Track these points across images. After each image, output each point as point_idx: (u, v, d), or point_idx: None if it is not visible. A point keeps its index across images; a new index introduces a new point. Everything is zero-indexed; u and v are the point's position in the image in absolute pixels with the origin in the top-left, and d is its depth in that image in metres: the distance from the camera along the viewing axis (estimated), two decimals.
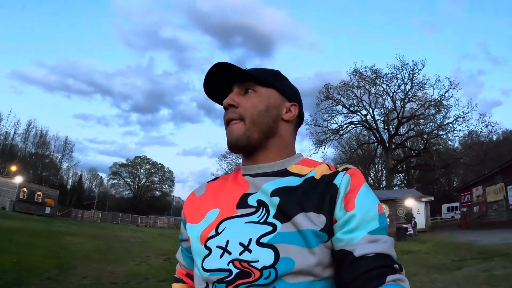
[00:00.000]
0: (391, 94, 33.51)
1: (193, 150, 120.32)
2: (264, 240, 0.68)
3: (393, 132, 34.54)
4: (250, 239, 0.69)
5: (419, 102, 32.57)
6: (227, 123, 0.80)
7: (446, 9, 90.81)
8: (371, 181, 44.76)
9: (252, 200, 0.75)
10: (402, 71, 32.19)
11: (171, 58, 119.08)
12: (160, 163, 70.26)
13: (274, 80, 0.84)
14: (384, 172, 41.30)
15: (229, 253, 0.70)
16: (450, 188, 36.71)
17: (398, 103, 33.45)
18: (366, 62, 63.67)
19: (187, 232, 0.82)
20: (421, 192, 28.80)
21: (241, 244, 0.70)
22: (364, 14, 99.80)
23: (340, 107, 35.18)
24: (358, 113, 35.19)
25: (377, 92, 34.05)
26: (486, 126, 30.50)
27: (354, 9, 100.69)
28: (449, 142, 33.35)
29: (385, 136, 35.33)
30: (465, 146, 34.83)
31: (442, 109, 31.37)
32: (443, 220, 33.45)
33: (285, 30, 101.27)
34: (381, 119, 35.15)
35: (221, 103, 0.86)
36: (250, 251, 0.68)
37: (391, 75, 32.92)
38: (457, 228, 23.18)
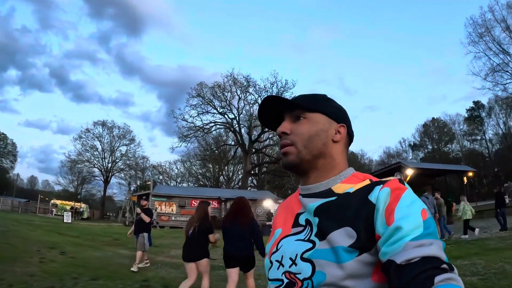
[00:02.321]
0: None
1: (36, 122, 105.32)
2: (305, 255, 0.79)
3: (254, 139, 38.37)
4: (296, 255, 0.81)
5: None
6: (281, 148, 0.91)
7: (315, 35, 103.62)
8: (223, 179, 48.21)
9: (302, 219, 0.87)
10: (273, 86, 36.41)
11: (34, 14, 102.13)
12: (3, 133, 58.07)
13: (321, 105, 0.92)
14: (239, 173, 45.29)
15: (283, 265, 0.84)
16: None
17: None
18: (237, 70, 67.24)
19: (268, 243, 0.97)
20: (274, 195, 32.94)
21: (290, 258, 0.82)
22: (245, 22, 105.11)
23: (209, 106, 37.41)
24: (226, 115, 38.09)
25: (245, 99, 37.52)
26: None
27: (236, 14, 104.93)
28: None
29: (246, 141, 38.94)
30: None
31: None
32: None
33: (161, 15, 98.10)
34: (246, 125, 38.66)
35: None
36: (296, 265, 0.80)
37: (263, 87, 36.85)
38: None
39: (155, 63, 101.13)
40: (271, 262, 0.89)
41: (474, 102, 56.52)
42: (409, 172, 19.95)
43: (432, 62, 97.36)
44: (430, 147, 64.10)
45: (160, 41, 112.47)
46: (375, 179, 0.83)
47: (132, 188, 36.79)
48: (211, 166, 48.63)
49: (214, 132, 40.77)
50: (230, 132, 41.01)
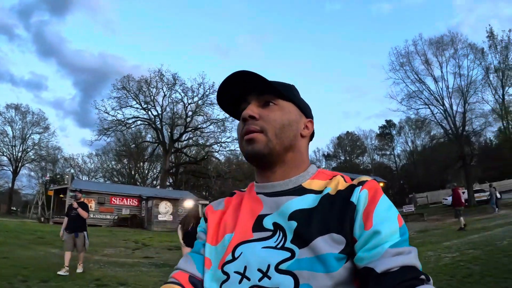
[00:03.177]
0: (185, 104, 37.17)
1: None
2: (283, 266, 0.68)
3: (176, 138, 38.05)
4: (269, 265, 0.69)
5: (205, 118, 37.60)
6: (246, 134, 0.78)
7: (241, 42, 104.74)
8: (138, 177, 46.72)
9: (267, 223, 0.75)
10: (200, 87, 36.53)
11: None
12: None
13: (294, 95, 0.85)
14: (155, 171, 44.45)
15: (248, 279, 0.70)
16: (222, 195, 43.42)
17: (189, 113, 37.46)
18: (164, 67, 65.93)
19: (205, 250, 0.81)
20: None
21: (259, 270, 0.69)
22: (175, 19, 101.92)
23: (133, 101, 36.27)
24: (150, 111, 37.21)
25: (170, 97, 37.10)
26: None
27: (166, 9, 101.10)
28: (220, 157, 39.75)
29: (167, 140, 38.41)
30: (236, 163, 42.07)
31: (223, 128, 37.38)
32: None
33: None
34: (168, 123, 38.11)
35: (230, 113, 0.88)
36: (269, 278, 0.68)
37: (190, 87, 36.81)
38: None
39: (75, 47, 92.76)
40: (225, 273, 0.74)
41: (387, 121, 63.45)
42: None
43: (350, 80, 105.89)
44: (342, 158, 69.79)
45: (84, 24, 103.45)
46: (345, 176, 0.80)
47: (43, 181, 33.71)
48: (126, 162, 46.87)
49: (133, 128, 39.50)
50: (149, 129, 40.20)
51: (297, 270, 0.67)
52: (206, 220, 0.87)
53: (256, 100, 0.82)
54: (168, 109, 37.66)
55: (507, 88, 27.26)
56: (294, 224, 0.72)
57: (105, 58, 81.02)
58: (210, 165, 38.32)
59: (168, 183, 42.60)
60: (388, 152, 63.81)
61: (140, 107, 36.75)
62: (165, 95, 36.84)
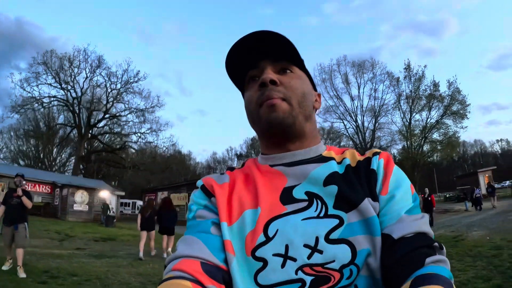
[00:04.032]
0: (108, 89, 35.61)
1: None
2: (334, 235, 0.61)
3: (93, 123, 36.27)
4: (317, 238, 0.61)
5: (126, 106, 36.41)
6: (267, 99, 0.71)
7: (167, 29, 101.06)
8: (47, 161, 43.18)
9: (298, 193, 0.68)
10: (125, 74, 35.33)
11: None
12: None
13: (305, 66, 0.80)
14: (63, 156, 41.69)
15: (293, 259, 0.60)
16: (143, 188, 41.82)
17: (110, 99, 35.92)
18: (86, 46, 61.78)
19: (222, 231, 0.66)
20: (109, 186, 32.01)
21: (306, 245, 0.61)
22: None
23: (53, 79, 33.59)
24: (69, 92, 34.87)
25: (92, 79, 35.18)
26: (170, 142, 38.33)
27: None
28: (132, 149, 38.70)
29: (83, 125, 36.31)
30: (150, 155, 41.22)
31: (142, 119, 36.52)
32: (125, 214, 38.02)
33: None
34: (86, 107, 36.06)
35: (234, 79, 0.80)
36: (321, 252, 0.60)
37: (114, 73, 35.38)
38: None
39: None
40: (259, 259, 0.62)
41: None
42: None
43: None
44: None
45: None
46: (352, 149, 0.79)
47: None
48: (32, 144, 42.98)
49: (49, 107, 36.40)
50: (64, 111, 37.49)
51: (351, 237, 0.61)
52: (211, 194, 0.72)
53: (271, 66, 0.75)
54: (88, 92, 35.66)
55: (414, 114, 31.60)
56: (334, 188, 0.67)
57: (22, 25, 73.90)
58: (126, 156, 37.32)
59: (81, 171, 40.48)
60: None
61: (60, 87, 34.20)
62: (87, 77, 34.82)
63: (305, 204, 0.66)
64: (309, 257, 0.60)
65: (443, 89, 31.53)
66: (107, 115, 36.38)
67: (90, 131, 36.72)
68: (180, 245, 0.66)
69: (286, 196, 0.68)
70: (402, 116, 31.99)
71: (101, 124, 37.74)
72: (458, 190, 28.77)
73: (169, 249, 9.78)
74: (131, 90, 35.62)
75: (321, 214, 0.64)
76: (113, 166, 39.07)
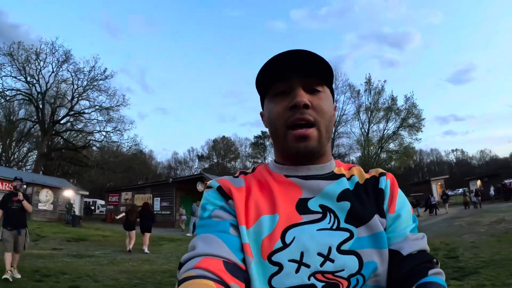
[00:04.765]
0: (74, 85, 35.16)
1: None
2: (345, 247, 0.67)
3: (57, 119, 35.70)
4: (330, 248, 0.66)
5: (91, 103, 36.06)
6: (298, 126, 0.73)
7: (133, 22, 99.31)
8: (3, 158, 41.72)
9: (313, 205, 0.72)
10: (92, 71, 35.04)
11: None
12: None
13: (332, 78, 0.80)
14: (21, 152, 40.53)
15: (307, 266, 0.65)
16: (104, 187, 41.17)
17: (76, 96, 35.46)
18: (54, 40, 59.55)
19: (242, 233, 0.68)
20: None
21: (320, 254, 0.66)
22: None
23: (18, 71, 32.68)
24: (34, 86, 34.09)
25: (57, 74, 34.61)
26: (134, 142, 38.26)
27: None
28: (95, 148, 38.42)
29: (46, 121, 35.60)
30: (113, 155, 40.83)
31: (108, 118, 36.25)
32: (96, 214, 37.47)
33: None
34: (50, 103, 35.44)
35: (260, 90, 0.82)
36: (332, 261, 0.66)
37: (81, 69, 34.86)
38: (104, 221, 27.89)
39: None
40: (275, 263, 0.65)
41: (262, 132, 69.91)
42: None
43: (232, 85, 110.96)
44: (215, 160, 73.40)
45: None
46: (358, 167, 0.84)
47: None
48: None
49: (12, 101, 35.52)
50: (26, 105, 36.61)
51: (359, 249, 0.67)
52: (228, 196, 0.74)
53: (303, 84, 0.75)
54: (54, 87, 34.97)
55: (372, 125, 33.66)
56: (347, 204, 0.71)
57: None
58: (89, 154, 37.04)
59: (42, 169, 39.58)
60: (259, 161, 69.53)
61: (25, 80, 33.32)
62: (53, 72, 34.12)
63: (319, 216, 0.70)
64: (321, 264, 0.65)
65: (401, 103, 34.09)
66: (71, 112, 35.91)
67: (54, 128, 36.11)
68: (199, 243, 0.66)
69: (302, 207, 0.71)
70: (361, 126, 34.13)
71: (64, 121, 37.18)
72: (411, 196, 31.05)
73: (145, 244, 12.01)
74: (97, 87, 35.36)
75: (334, 227, 0.68)
76: (75, 164, 38.51)
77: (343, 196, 0.74)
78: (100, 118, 36.32)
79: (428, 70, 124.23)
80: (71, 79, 34.95)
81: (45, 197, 23.27)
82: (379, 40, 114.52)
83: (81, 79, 35.01)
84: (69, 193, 25.68)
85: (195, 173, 71.56)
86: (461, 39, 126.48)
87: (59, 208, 24.15)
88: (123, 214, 12.76)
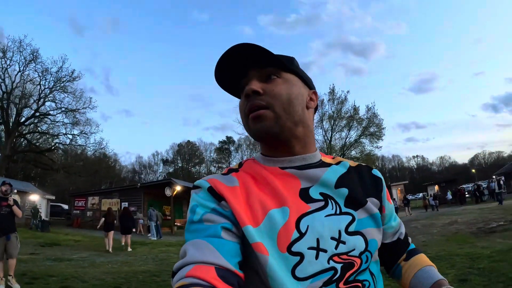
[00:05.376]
0: (41, 86, 34.49)
1: None
2: (351, 229, 0.73)
3: (22, 120, 34.81)
4: (340, 231, 0.72)
5: (57, 105, 35.42)
6: (251, 111, 0.77)
7: (98, 20, 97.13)
8: None
9: (314, 194, 0.76)
10: (59, 72, 34.48)
11: None
12: None
13: (296, 66, 0.84)
14: None
15: (324, 251, 0.69)
16: (68, 191, 40.36)
17: (42, 96, 34.75)
18: (23, 38, 56.65)
19: (249, 234, 0.68)
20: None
21: (333, 238, 0.70)
22: None
23: None
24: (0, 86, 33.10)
25: (23, 74, 33.72)
26: (100, 146, 37.66)
27: None
28: (61, 151, 37.79)
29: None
30: (79, 158, 40.28)
31: (75, 120, 35.70)
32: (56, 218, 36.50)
33: None
34: (15, 103, 34.38)
35: (229, 91, 0.85)
36: (344, 243, 0.71)
37: (48, 70, 34.19)
38: (68, 226, 27.60)
39: None
40: (296, 254, 0.67)
41: (227, 137, 71.75)
42: (178, 188, 25.24)
43: (197, 89, 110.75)
44: (180, 165, 73.44)
45: None
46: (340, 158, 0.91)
47: None
48: None
49: None
50: None
51: (363, 229, 0.74)
52: (220, 197, 0.72)
53: (258, 74, 0.79)
54: (19, 87, 33.95)
55: (334, 133, 35.29)
56: (345, 190, 0.77)
57: None
58: (56, 157, 36.45)
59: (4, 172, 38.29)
60: (224, 166, 70.40)
61: None
62: (20, 71, 33.19)
63: (322, 203, 0.74)
64: (336, 247, 0.70)
65: (363, 112, 35.78)
66: (37, 113, 35.12)
67: (18, 129, 35.18)
68: (190, 249, 0.65)
69: (305, 196, 0.75)
70: (324, 134, 35.62)
71: (28, 122, 36.20)
72: None
73: (128, 244, 14.06)
74: (64, 89, 34.77)
75: (337, 212, 0.74)
76: (40, 168, 37.70)
77: (340, 183, 0.79)
78: (65, 120, 35.77)
79: (391, 79, 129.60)
80: (38, 79, 34.20)
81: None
82: (345, 48, 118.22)
83: (48, 80, 34.34)
84: (35, 198, 25.40)
85: (160, 177, 71.64)
86: (425, 50, 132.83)
87: (26, 213, 23.80)
88: (103, 219, 14.04)
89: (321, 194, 0.77)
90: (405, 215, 24.31)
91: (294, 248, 0.68)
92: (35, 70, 34.00)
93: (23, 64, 33.30)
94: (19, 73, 33.49)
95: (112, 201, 27.41)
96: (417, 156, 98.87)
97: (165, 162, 75.80)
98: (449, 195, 31.36)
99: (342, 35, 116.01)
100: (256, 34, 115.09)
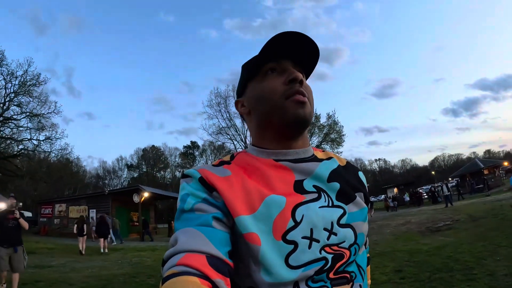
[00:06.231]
0: (7, 90, 33.89)
1: None
2: (342, 221, 0.76)
3: None
4: (332, 223, 0.74)
5: (21, 110, 34.91)
6: (298, 94, 0.80)
7: (61, 21, 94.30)
8: None
9: (308, 186, 0.78)
10: (24, 75, 33.88)
11: None
12: None
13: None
14: None
15: (317, 241, 0.71)
16: (32, 198, 39.61)
17: (7, 100, 34.20)
18: None
19: (242, 224, 0.69)
20: None
21: (325, 229, 0.73)
22: None
23: None
24: None
25: None
26: (65, 151, 37.37)
27: None
28: (26, 157, 37.07)
29: None
30: (44, 164, 39.69)
31: (40, 125, 35.28)
32: None
33: None
34: None
35: (260, 62, 0.84)
36: (335, 234, 0.74)
37: (13, 72, 33.45)
38: (35, 234, 27.34)
39: None
40: (290, 242, 0.69)
41: (192, 142, 72.34)
42: (146, 194, 25.97)
43: (160, 92, 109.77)
44: (145, 169, 73.22)
45: None
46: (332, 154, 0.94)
47: None
48: None
49: None
50: None
51: (353, 222, 0.77)
52: (212, 187, 0.73)
53: (299, 69, 0.86)
54: None
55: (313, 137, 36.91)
56: (337, 185, 0.81)
57: None
58: (21, 163, 35.88)
59: None
60: None
61: None
62: None
63: (315, 195, 0.77)
64: (328, 238, 0.72)
65: (324, 119, 37.75)
66: (0, 118, 34.44)
67: None
68: (181, 237, 0.65)
69: (299, 188, 0.77)
70: None
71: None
72: None
73: (106, 247, 15.84)
74: (29, 93, 34.29)
75: (330, 204, 0.77)
76: (3, 174, 36.85)
77: (332, 177, 0.82)
78: (29, 125, 35.25)
79: (355, 84, 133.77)
80: (3, 82, 33.56)
81: None
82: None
83: (13, 84, 33.70)
84: (2, 205, 25.03)
85: (124, 182, 71.03)
86: (387, 57, 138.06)
87: None
88: (76, 225, 16.02)
89: (314, 186, 0.79)
90: (369, 215, 25.97)
91: (289, 237, 0.69)
92: (1, 74, 33.28)
93: None
94: None
95: (79, 208, 27.57)
96: (379, 159, 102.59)
97: (130, 167, 75.09)
98: (407, 197, 33.49)
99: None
100: (222, 37, 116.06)
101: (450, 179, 35.65)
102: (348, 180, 0.86)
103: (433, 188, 31.71)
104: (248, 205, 0.71)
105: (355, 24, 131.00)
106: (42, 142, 35.58)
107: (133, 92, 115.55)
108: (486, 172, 32.79)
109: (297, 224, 0.71)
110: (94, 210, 26.57)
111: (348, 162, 0.94)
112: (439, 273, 6.27)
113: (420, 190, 36.76)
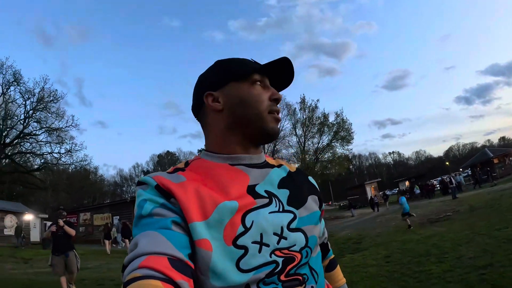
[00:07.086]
0: (25, 107, 35.55)
1: None
2: (292, 226, 0.79)
3: (8, 142, 35.97)
4: (282, 227, 0.77)
5: (41, 125, 36.64)
6: (276, 113, 0.89)
7: (68, 32, 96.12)
8: None
9: (260, 191, 0.81)
10: (42, 92, 35.57)
11: None
12: None
13: None
14: None
15: (267, 245, 0.74)
16: (53, 208, 41.53)
17: (27, 118, 35.88)
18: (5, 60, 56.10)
19: (195, 230, 0.69)
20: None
21: (275, 234, 0.76)
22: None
23: None
24: None
25: (4, 95, 34.58)
26: (85, 162, 39.04)
27: None
28: (53, 169, 38.85)
29: None
30: (66, 176, 41.63)
31: (59, 139, 36.90)
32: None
33: None
34: None
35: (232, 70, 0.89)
36: (285, 238, 0.77)
37: (31, 90, 35.19)
38: None
39: None
40: (240, 247, 0.71)
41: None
42: None
43: (170, 96, 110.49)
44: None
45: None
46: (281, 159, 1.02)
47: None
48: None
49: None
50: None
51: (303, 226, 0.81)
52: (169, 194, 0.73)
53: (276, 90, 0.92)
54: (2, 109, 34.74)
55: (307, 138, 38.37)
56: (286, 191, 0.85)
57: None
58: (44, 176, 37.71)
59: None
60: None
61: None
62: (2, 93, 34.14)
63: (267, 200, 0.79)
64: (278, 242, 0.75)
65: (332, 118, 38.75)
66: (21, 134, 36.13)
67: (5, 150, 36.29)
68: (142, 241, 0.65)
69: (252, 192, 0.79)
70: (298, 140, 38.38)
71: (14, 143, 37.22)
72: (348, 199, 35.48)
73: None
74: (48, 109, 35.86)
75: (280, 210, 0.80)
76: (27, 187, 38.74)
77: (281, 184, 0.86)
78: (48, 138, 36.82)
79: (364, 77, 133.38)
80: (21, 100, 35.23)
81: (9, 223, 24.47)
82: (317, 50, 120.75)
83: (32, 101, 35.38)
84: (29, 217, 26.84)
85: None
86: (395, 48, 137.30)
87: (10, 232, 24.41)
88: (103, 233, 18.78)
89: (266, 191, 0.82)
90: (385, 208, 27.69)
91: (239, 242, 0.71)
92: (20, 92, 34.92)
93: (5, 85, 34.15)
94: (1, 95, 34.35)
95: (103, 216, 29.25)
96: (393, 152, 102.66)
97: (146, 173, 76.34)
98: (417, 190, 34.23)
99: (313, 37, 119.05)
100: (227, 39, 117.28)
101: (461, 169, 36.05)
102: (299, 185, 0.90)
103: (445, 179, 32.15)
104: (202, 211, 0.71)
105: (360, 17, 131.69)
106: (62, 155, 37.15)
107: (143, 98, 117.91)
108: (496, 161, 33.12)
109: (247, 229, 0.72)
110: (118, 217, 27.99)
111: (298, 169, 0.99)
112: (419, 258, 7.51)
113: (434, 182, 37.32)
